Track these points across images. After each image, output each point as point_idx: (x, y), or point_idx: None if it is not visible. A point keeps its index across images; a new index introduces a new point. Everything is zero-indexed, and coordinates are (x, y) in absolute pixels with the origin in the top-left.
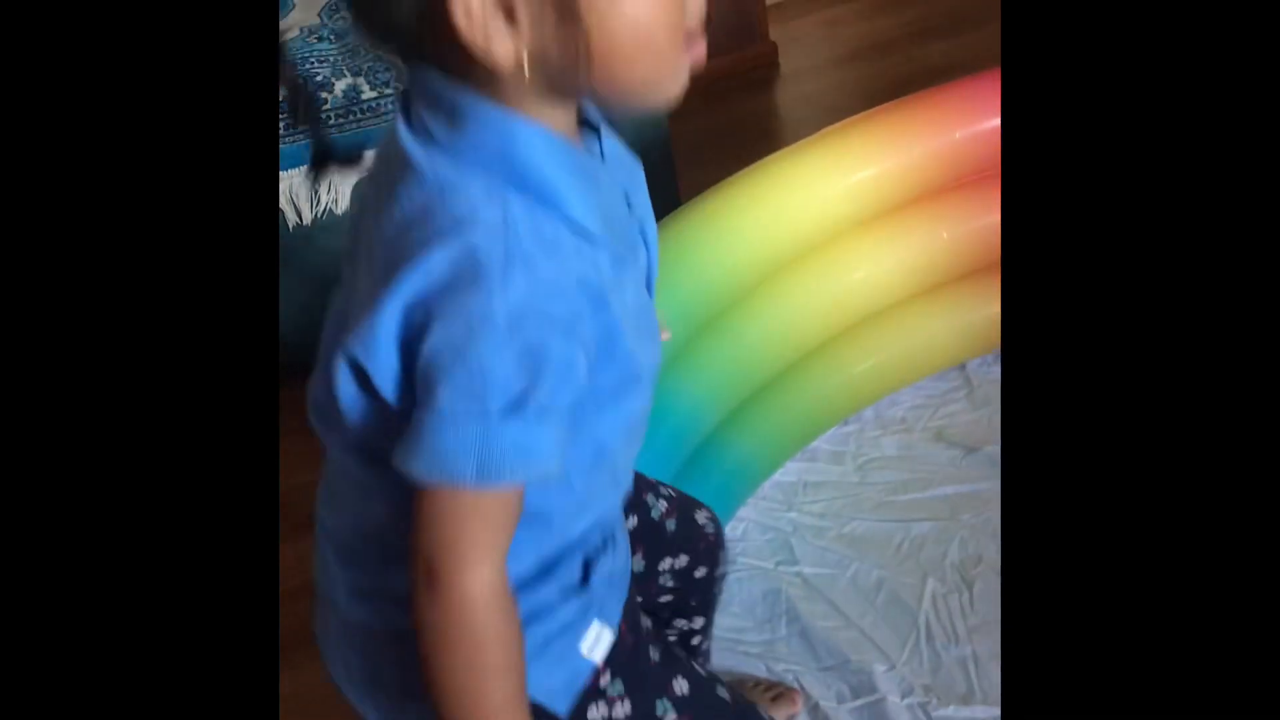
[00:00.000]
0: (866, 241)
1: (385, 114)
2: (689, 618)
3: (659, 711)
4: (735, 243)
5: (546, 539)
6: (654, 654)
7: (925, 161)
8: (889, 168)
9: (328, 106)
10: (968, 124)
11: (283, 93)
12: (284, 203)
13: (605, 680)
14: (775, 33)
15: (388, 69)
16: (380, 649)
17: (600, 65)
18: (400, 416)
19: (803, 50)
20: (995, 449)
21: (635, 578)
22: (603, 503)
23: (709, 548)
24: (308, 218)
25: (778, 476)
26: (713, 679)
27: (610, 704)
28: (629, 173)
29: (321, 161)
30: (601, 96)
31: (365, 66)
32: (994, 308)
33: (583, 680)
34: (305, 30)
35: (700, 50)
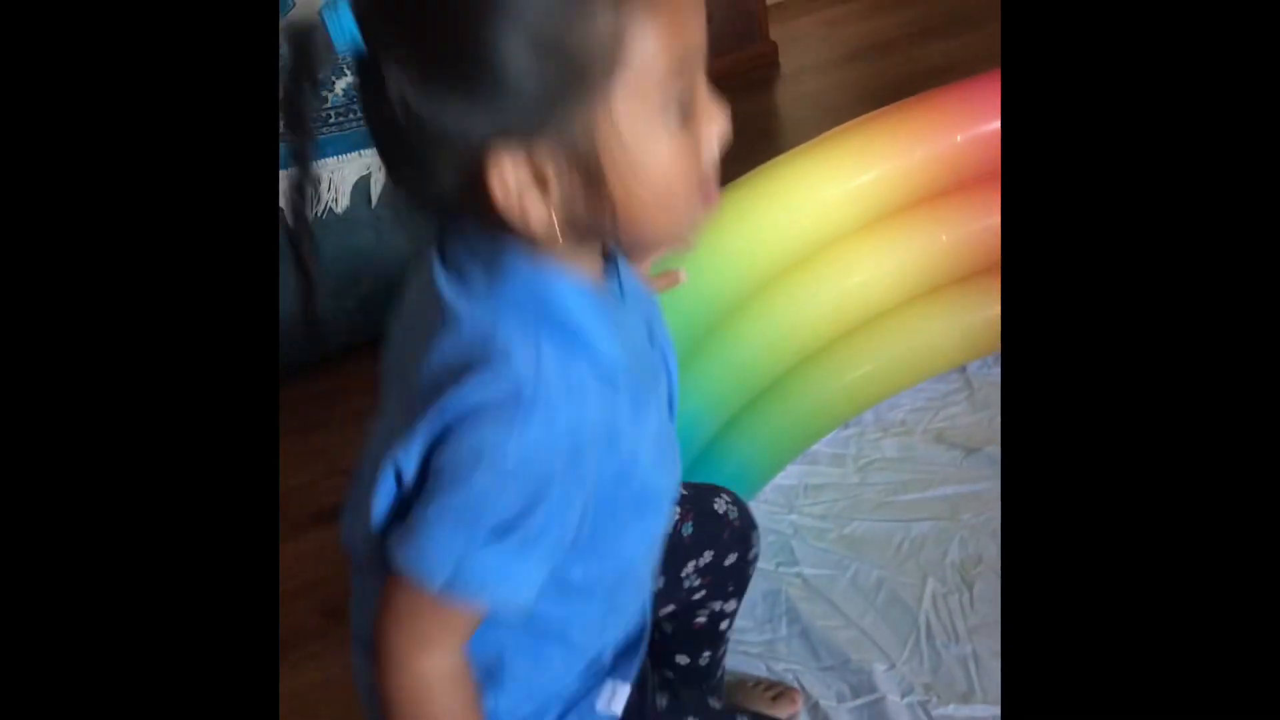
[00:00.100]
0: (866, 245)
1: None
2: (724, 600)
3: None
4: (735, 247)
5: (574, 655)
6: (661, 701)
7: (925, 165)
8: (889, 171)
9: (328, 105)
10: (967, 127)
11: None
12: (284, 201)
13: None
14: (775, 32)
15: None
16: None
17: (624, 221)
18: (411, 509)
19: (803, 50)
20: (995, 449)
21: (658, 594)
22: (629, 609)
23: (734, 534)
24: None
25: (778, 479)
26: (729, 713)
27: None
28: (649, 305)
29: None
30: (624, 244)
31: None
32: (994, 310)
33: None
34: None
35: (715, 195)
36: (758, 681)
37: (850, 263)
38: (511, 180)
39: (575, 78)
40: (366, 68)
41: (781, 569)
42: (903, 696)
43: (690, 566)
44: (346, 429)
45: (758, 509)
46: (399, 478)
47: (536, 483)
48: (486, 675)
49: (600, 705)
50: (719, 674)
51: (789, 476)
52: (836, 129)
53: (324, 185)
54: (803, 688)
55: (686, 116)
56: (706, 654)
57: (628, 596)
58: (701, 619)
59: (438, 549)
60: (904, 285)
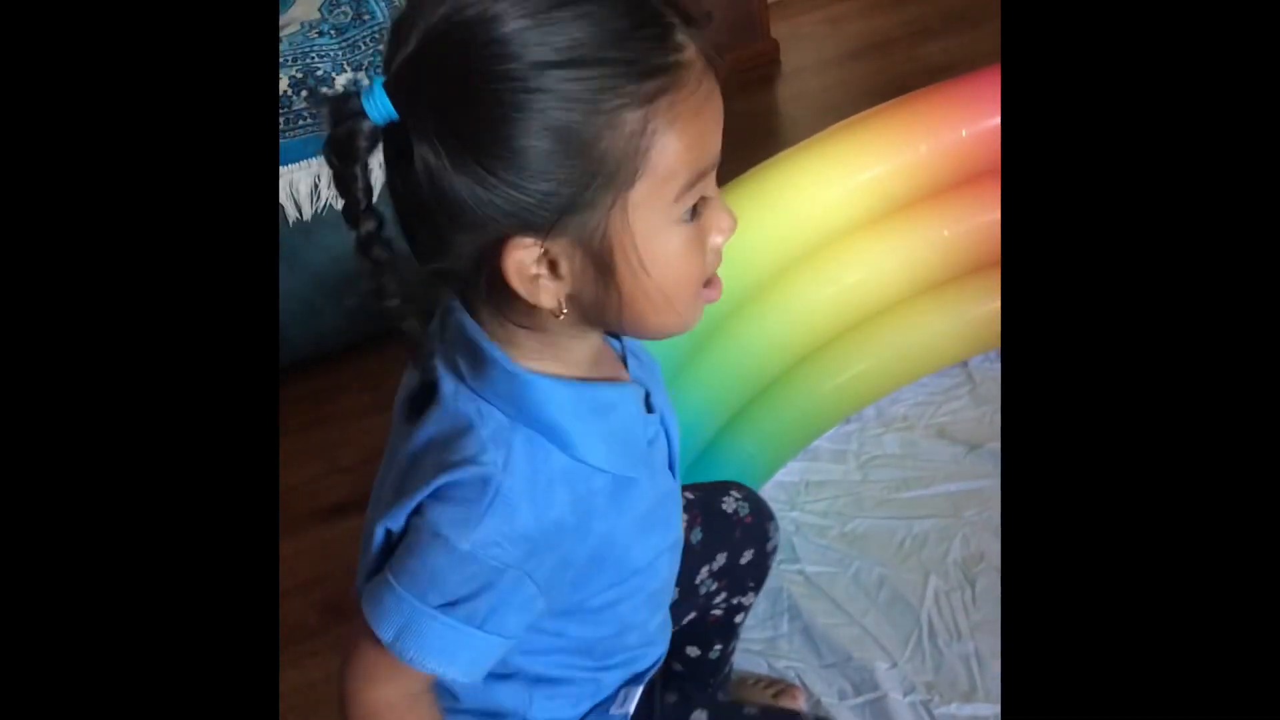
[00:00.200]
0: (869, 240)
1: None
2: (743, 594)
3: None
4: (737, 243)
5: (596, 693)
6: (670, 698)
7: (927, 160)
8: (891, 168)
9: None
10: (970, 122)
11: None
12: (284, 198)
13: None
14: (777, 30)
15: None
16: None
17: (629, 311)
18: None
19: (804, 47)
20: (998, 446)
21: (674, 607)
22: (643, 659)
23: (747, 530)
24: (308, 213)
25: (780, 476)
26: (737, 705)
27: None
28: (649, 371)
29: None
30: (627, 331)
31: (366, 61)
32: (996, 305)
33: None
34: (306, 25)
35: (717, 289)
36: (759, 679)
37: (852, 258)
38: (527, 266)
39: (598, 179)
40: (396, 138)
41: (783, 566)
42: (905, 694)
43: (704, 572)
44: (347, 427)
45: None
46: (389, 535)
47: (487, 572)
48: (508, 713)
49: (614, 708)
50: (727, 669)
51: (790, 473)
52: (839, 124)
53: (324, 183)
54: (804, 685)
55: (696, 215)
56: (718, 647)
57: (637, 644)
58: (717, 612)
59: (389, 605)
60: (906, 281)
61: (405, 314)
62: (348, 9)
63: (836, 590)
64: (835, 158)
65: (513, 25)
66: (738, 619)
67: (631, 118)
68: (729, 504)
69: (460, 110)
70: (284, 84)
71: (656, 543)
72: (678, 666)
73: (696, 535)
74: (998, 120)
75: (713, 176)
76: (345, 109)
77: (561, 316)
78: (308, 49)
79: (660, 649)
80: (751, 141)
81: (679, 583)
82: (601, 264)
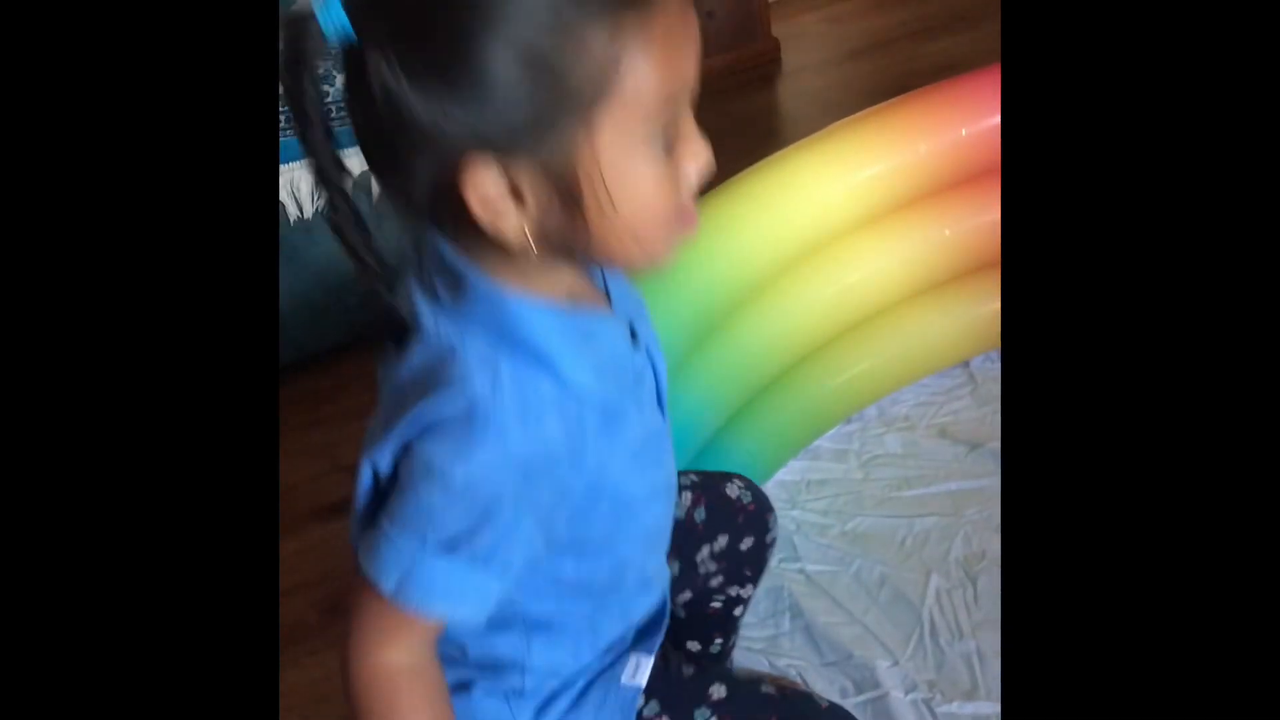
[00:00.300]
0: (869, 240)
1: None
2: (741, 585)
3: (700, 719)
4: (738, 242)
5: (595, 640)
6: (686, 670)
7: (928, 159)
8: (892, 166)
9: (329, 99)
10: (971, 121)
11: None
12: (284, 196)
13: (639, 703)
14: (777, 29)
15: None
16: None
17: (598, 243)
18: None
19: (805, 47)
20: (999, 445)
21: (675, 581)
22: (641, 602)
23: (750, 518)
24: (308, 211)
25: (781, 475)
26: (757, 679)
27: None
28: (634, 304)
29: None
30: (598, 264)
31: None
32: (997, 305)
33: (632, 711)
34: None
35: (692, 222)
36: (761, 677)
37: (853, 257)
38: (488, 190)
39: (561, 100)
40: (353, 60)
41: (784, 565)
42: (906, 693)
43: (705, 551)
44: (347, 425)
45: None
46: (376, 476)
47: (484, 503)
48: (508, 664)
49: (625, 678)
50: (728, 664)
51: (791, 472)
52: (839, 123)
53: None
54: (806, 684)
55: (669, 147)
56: (719, 640)
57: (634, 585)
58: (717, 604)
59: (388, 555)
60: (907, 280)
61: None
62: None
63: (837, 589)
64: (836, 156)
65: None
66: (737, 612)
67: (598, 36)
68: (732, 490)
69: (418, 25)
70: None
71: (651, 478)
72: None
73: (700, 514)
74: (997, 120)
75: (687, 105)
76: (300, 26)
77: (531, 254)
78: None
79: (655, 598)
80: (751, 141)
81: (680, 556)
82: (567, 194)
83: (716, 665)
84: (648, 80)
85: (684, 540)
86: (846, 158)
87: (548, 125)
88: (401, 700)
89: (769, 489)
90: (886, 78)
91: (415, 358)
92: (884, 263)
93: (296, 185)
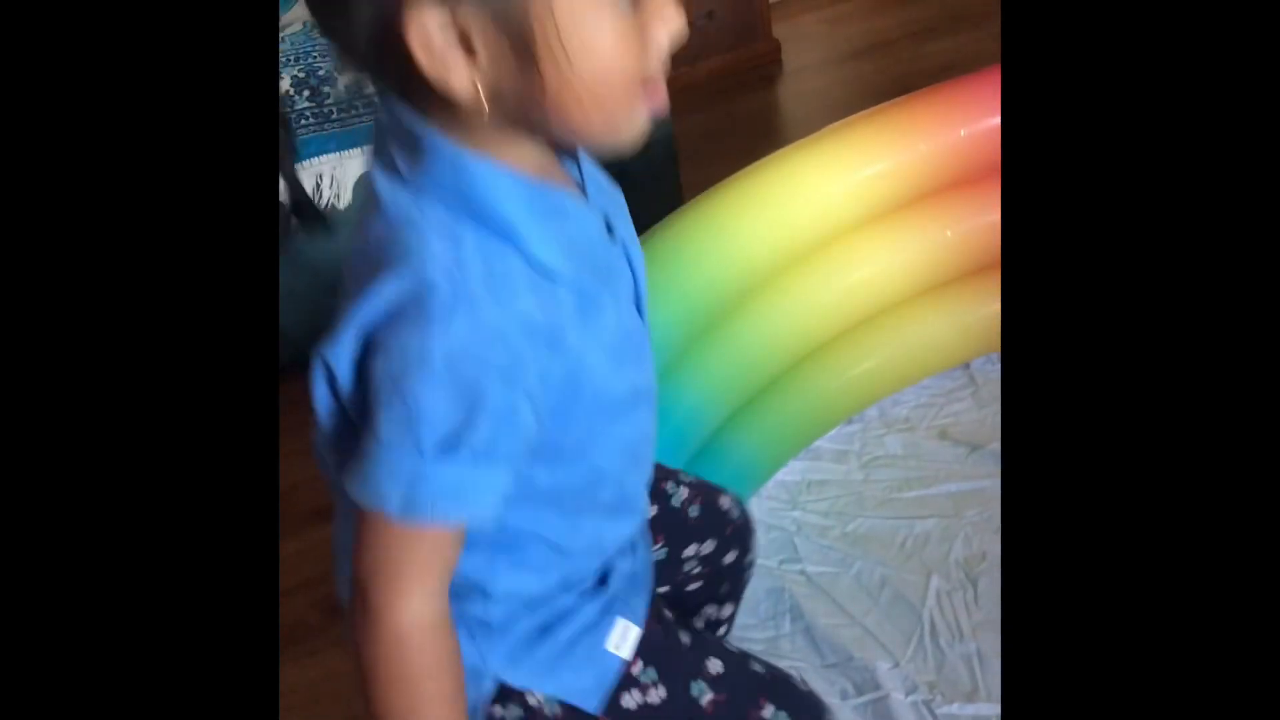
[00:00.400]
0: (870, 240)
1: None
2: (719, 604)
3: (695, 692)
4: (738, 241)
5: (561, 559)
6: (685, 639)
7: (929, 159)
8: (893, 165)
9: (330, 101)
10: (972, 121)
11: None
12: (287, 197)
13: (638, 669)
14: (778, 30)
15: None
16: None
17: (555, 108)
18: (358, 433)
19: (806, 48)
20: (999, 446)
21: (659, 566)
22: (618, 527)
23: (736, 532)
24: None
25: (781, 475)
26: (745, 655)
27: (644, 690)
28: (610, 198)
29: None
30: (559, 135)
31: None
32: (998, 307)
33: (612, 677)
34: (308, 24)
35: (660, 96)
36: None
37: (854, 257)
38: (432, 37)
39: None
40: None
41: (785, 566)
42: (907, 694)
43: (692, 549)
44: None
45: (760, 505)
46: (334, 385)
47: (471, 386)
48: (471, 587)
49: (610, 644)
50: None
51: (791, 472)
52: (841, 122)
53: (326, 181)
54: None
55: (636, 6)
56: None
57: (608, 504)
58: (698, 625)
59: (386, 471)
60: (908, 281)
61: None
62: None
63: (838, 590)
64: (837, 155)
65: None
66: (720, 632)
67: None
68: (724, 502)
69: None
70: (286, 84)
71: (631, 377)
72: None
73: (694, 510)
74: (998, 120)
75: None
76: None
77: (484, 114)
78: (309, 48)
79: (629, 527)
80: (752, 141)
81: (669, 545)
82: (520, 47)
83: (711, 635)
84: None
85: (676, 531)
86: (847, 158)
87: None
88: (428, 660)
89: (769, 489)
90: (887, 78)
91: (370, 233)
92: (885, 263)
93: None
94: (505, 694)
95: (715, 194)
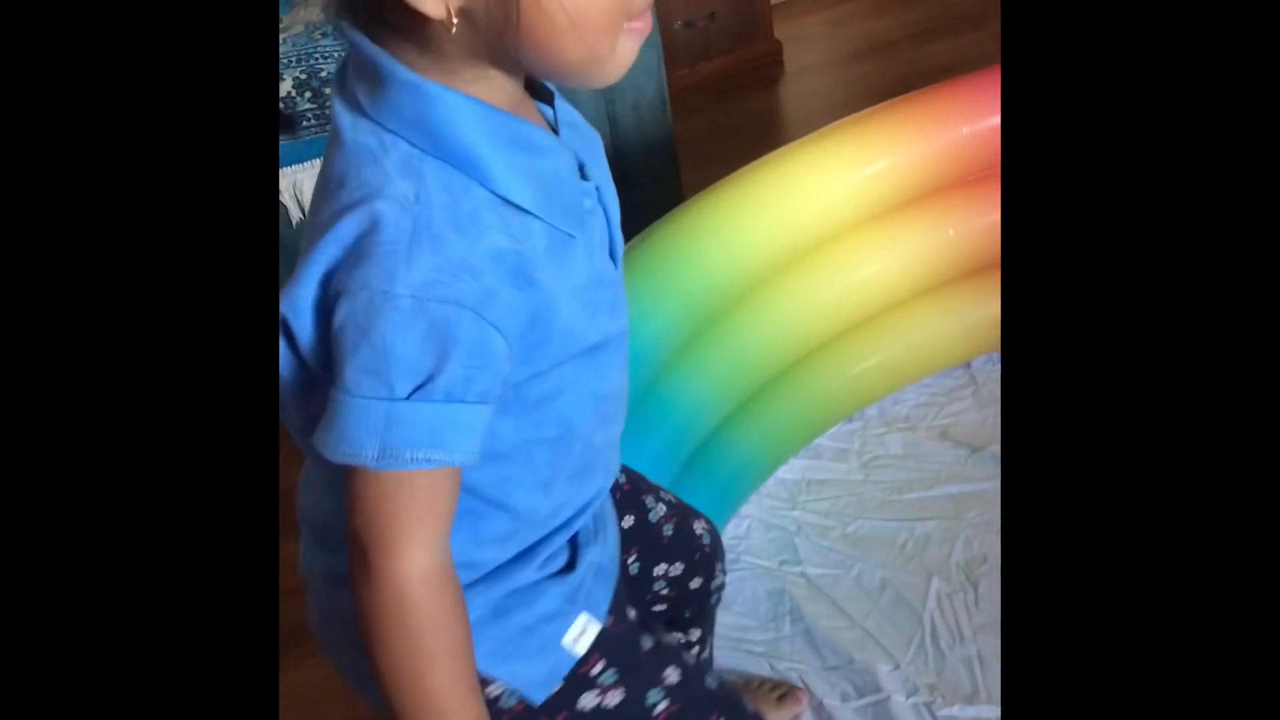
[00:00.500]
0: (872, 239)
1: None
2: (684, 630)
3: (650, 700)
4: (739, 240)
5: (523, 526)
6: (646, 643)
7: (931, 158)
8: (894, 164)
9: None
10: (974, 120)
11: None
12: (285, 198)
13: (598, 669)
14: (780, 31)
15: None
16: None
17: (531, 38)
18: (323, 387)
19: (808, 48)
20: (1000, 448)
21: (629, 580)
22: (584, 489)
23: (704, 559)
24: None
25: (781, 473)
26: (700, 668)
27: (603, 693)
28: (585, 141)
29: None
30: (535, 69)
31: None
32: (999, 306)
33: (563, 673)
34: (309, 26)
35: (643, 23)
36: (762, 681)
37: (856, 256)
38: None
39: None
40: None
41: (785, 568)
42: (907, 697)
43: (663, 568)
44: None
45: (760, 504)
46: (288, 330)
47: (443, 322)
48: None
49: (568, 641)
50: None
51: (792, 470)
52: (843, 120)
53: None
54: (807, 687)
55: None
56: None
57: (575, 466)
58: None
59: (361, 422)
60: (910, 280)
61: None
62: None
63: (838, 592)
64: (839, 153)
65: None
66: (693, 653)
67: None
68: (698, 528)
69: None
70: (288, 85)
71: (603, 325)
72: None
73: (669, 529)
74: (999, 119)
75: None
76: None
77: (453, 29)
78: (311, 50)
79: (593, 490)
80: (754, 141)
81: (641, 560)
82: None
83: (669, 639)
84: None
85: (648, 546)
86: (848, 156)
87: None
88: (432, 616)
89: (769, 487)
90: (888, 79)
91: (330, 169)
92: (887, 262)
93: (299, 189)
94: None
95: (716, 192)
